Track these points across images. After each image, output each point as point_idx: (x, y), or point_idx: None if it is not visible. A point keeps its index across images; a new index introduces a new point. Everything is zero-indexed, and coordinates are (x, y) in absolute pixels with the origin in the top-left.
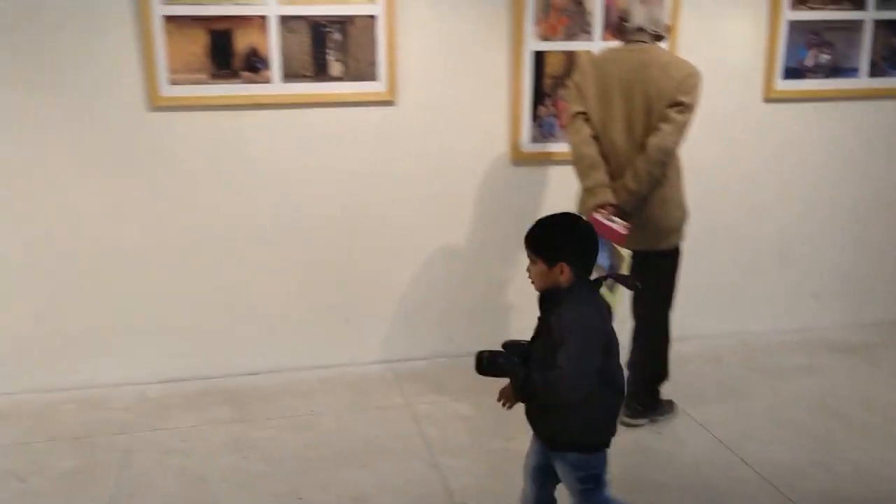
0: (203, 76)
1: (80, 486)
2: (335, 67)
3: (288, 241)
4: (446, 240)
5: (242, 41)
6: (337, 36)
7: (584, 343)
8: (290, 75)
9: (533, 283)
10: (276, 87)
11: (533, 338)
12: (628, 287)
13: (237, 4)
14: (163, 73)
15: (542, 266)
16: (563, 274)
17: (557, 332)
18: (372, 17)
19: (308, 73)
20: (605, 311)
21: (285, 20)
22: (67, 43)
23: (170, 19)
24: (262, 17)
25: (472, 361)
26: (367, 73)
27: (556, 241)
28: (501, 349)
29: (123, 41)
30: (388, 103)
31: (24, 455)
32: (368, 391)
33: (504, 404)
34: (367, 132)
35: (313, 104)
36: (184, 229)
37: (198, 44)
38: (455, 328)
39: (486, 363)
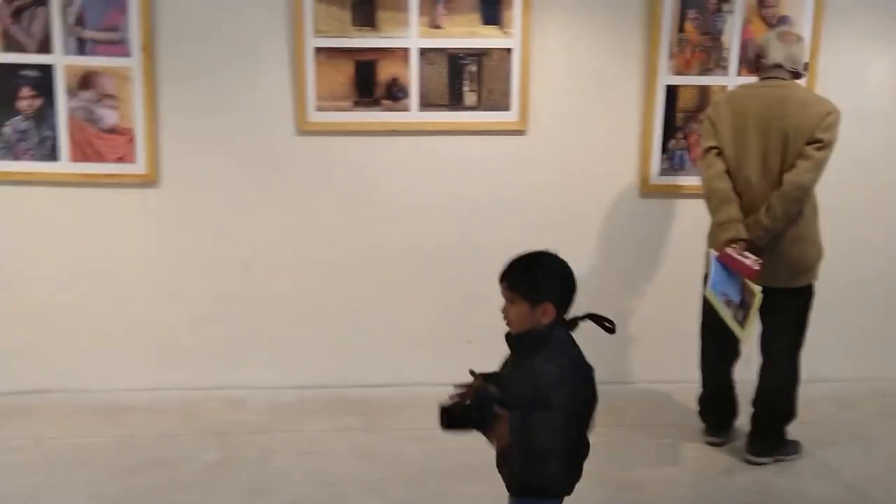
0: (347, 103)
1: (222, 477)
2: (470, 97)
3: (419, 261)
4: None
5: (385, 72)
6: (473, 67)
7: (576, 387)
8: (427, 104)
9: (510, 324)
10: (413, 115)
11: (498, 378)
12: (605, 329)
13: (382, 38)
14: (311, 100)
15: (524, 307)
16: (546, 315)
17: (549, 373)
18: (508, 50)
19: (444, 103)
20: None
21: (425, 52)
22: (234, 72)
23: (320, 51)
24: (405, 50)
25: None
26: (501, 104)
27: (541, 281)
28: (465, 402)
29: (279, 70)
30: (520, 132)
31: (173, 446)
32: None
33: (495, 445)
34: (497, 160)
35: (447, 132)
36: (323, 246)
37: (344, 73)
38: None
39: (460, 419)
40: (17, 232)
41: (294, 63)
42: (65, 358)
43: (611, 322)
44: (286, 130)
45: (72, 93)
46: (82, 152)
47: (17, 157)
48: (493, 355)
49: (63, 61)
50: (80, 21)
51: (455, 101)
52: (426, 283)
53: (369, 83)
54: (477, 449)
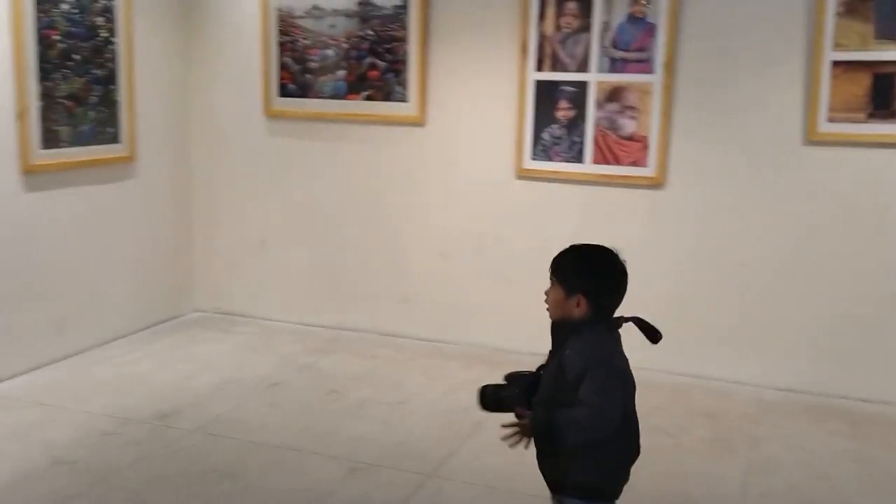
0: (860, 115)
1: (717, 451)
2: None
3: None
4: None
5: None
6: None
7: (608, 379)
8: None
9: (548, 308)
10: None
11: (540, 368)
12: (648, 338)
13: None
14: (823, 111)
15: (559, 293)
16: (579, 307)
17: (575, 366)
18: None
19: None
20: (622, 352)
21: None
22: (747, 84)
23: (837, 64)
24: None
25: None
26: None
27: (580, 271)
28: (505, 382)
29: (791, 82)
30: None
31: (667, 418)
32: None
33: (518, 440)
34: None
35: None
36: (822, 254)
37: (859, 86)
38: None
39: (491, 399)
40: (548, 220)
41: (808, 75)
42: None
43: (656, 331)
44: (793, 140)
45: (599, 105)
46: (603, 156)
47: (550, 159)
48: None
49: (596, 78)
50: (613, 44)
51: None
52: None
53: (887, 96)
54: None
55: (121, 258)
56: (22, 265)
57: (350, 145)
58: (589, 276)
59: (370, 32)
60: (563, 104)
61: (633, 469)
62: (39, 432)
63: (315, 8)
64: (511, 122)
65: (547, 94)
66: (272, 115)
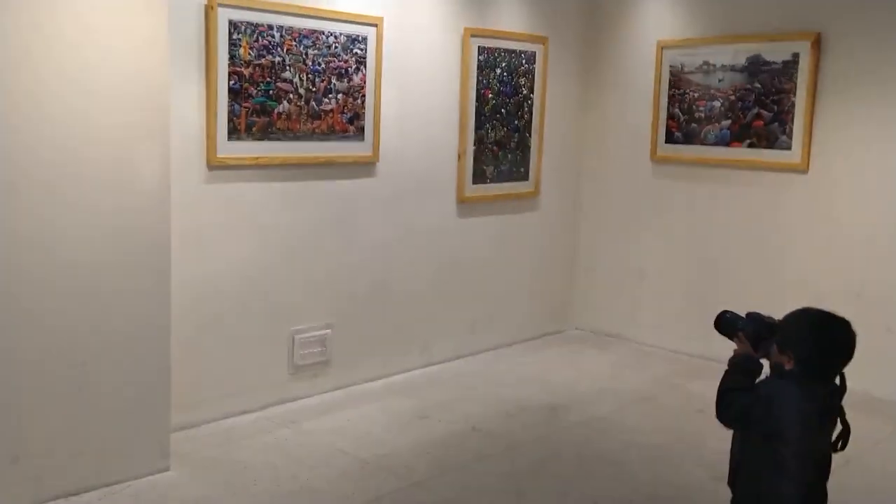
0: None
1: None
2: None
3: None
4: None
5: None
6: None
7: (762, 410)
8: None
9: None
10: None
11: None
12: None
13: None
14: None
15: (775, 346)
16: (788, 363)
17: (762, 387)
18: None
19: None
20: (804, 411)
21: None
22: None
23: None
24: None
25: None
26: None
27: (790, 332)
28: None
29: None
30: None
31: None
32: None
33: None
34: None
35: None
36: None
37: None
38: None
39: (727, 322)
40: None
41: None
42: None
43: (843, 441)
44: None
45: None
46: None
47: None
48: None
49: None
50: None
51: None
52: None
53: None
54: None
55: (520, 277)
56: (451, 275)
57: (730, 189)
58: (795, 338)
59: (758, 85)
60: None
61: None
62: (460, 406)
63: (705, 63)
64: None
65: None
66: (657, 159)
